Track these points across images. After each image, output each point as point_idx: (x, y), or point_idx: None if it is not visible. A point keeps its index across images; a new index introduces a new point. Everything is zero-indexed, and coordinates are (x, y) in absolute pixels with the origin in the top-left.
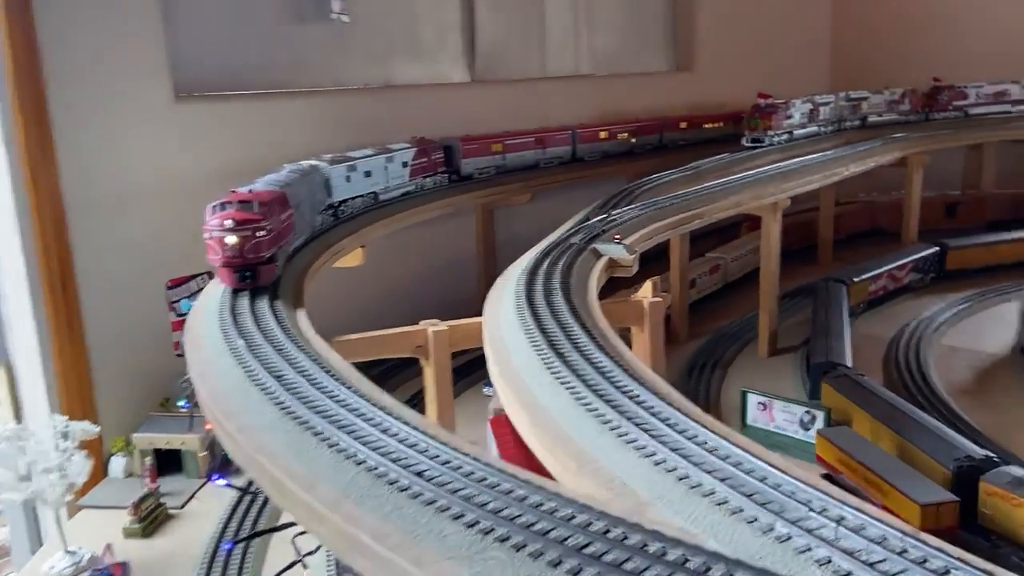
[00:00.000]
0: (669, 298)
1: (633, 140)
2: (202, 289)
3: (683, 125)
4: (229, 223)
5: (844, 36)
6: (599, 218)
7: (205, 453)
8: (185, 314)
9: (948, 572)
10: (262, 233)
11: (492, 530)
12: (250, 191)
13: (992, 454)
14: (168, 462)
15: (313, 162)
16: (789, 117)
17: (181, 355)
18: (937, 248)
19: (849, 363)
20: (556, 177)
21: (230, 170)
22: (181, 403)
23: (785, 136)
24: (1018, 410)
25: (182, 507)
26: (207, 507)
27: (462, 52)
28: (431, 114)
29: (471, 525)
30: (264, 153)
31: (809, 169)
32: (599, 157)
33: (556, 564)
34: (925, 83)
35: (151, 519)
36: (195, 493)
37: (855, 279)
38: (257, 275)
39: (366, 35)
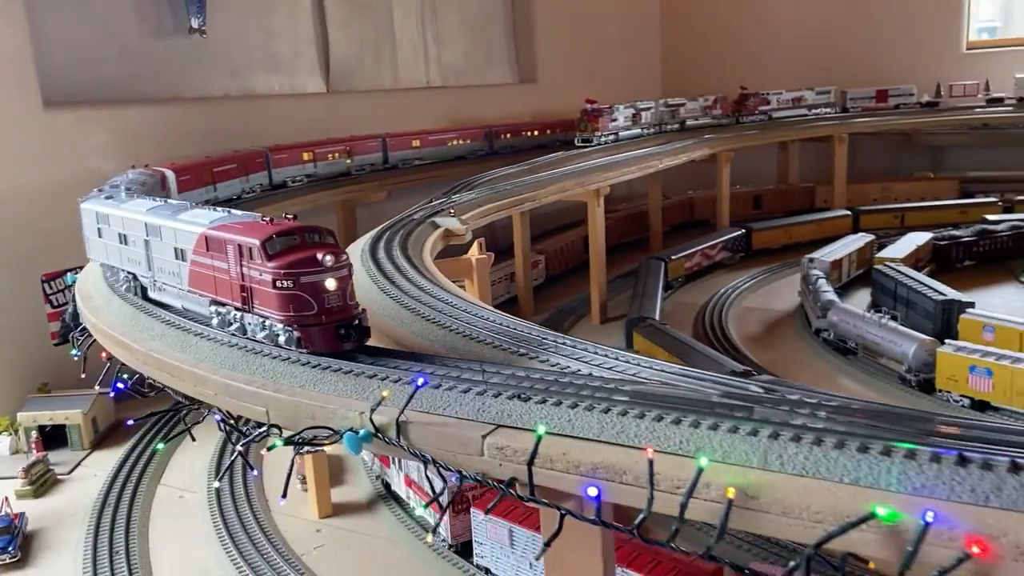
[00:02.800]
0: (491, 256)
1: (462, 143)
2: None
3: (507, 135)
4: (329, 259)
5: (671, 50)
6: (440, 200)
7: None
8: (61, 306)
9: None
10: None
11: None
12: (294, 217)
13: (751, 369)
14: (52, 439)
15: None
16: (614, 120)
17: (59, 344)
18: (743, 230)
19: (657, 318)
20: (408, 177)
21: (101, 173)
22: (73, 352)
23: (612, 137)
24: (790, 349)
25: (69, 473)
26: (92, 472)
27: (317, 65)
28: (288, 123)
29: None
30: (128, 159)
31: (628, 163)
32: (412, 164)
33: None
34: (736, 91)
35: (41, 482)
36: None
37: (673, 257)
38: (366, 330)
39: (224, 49)
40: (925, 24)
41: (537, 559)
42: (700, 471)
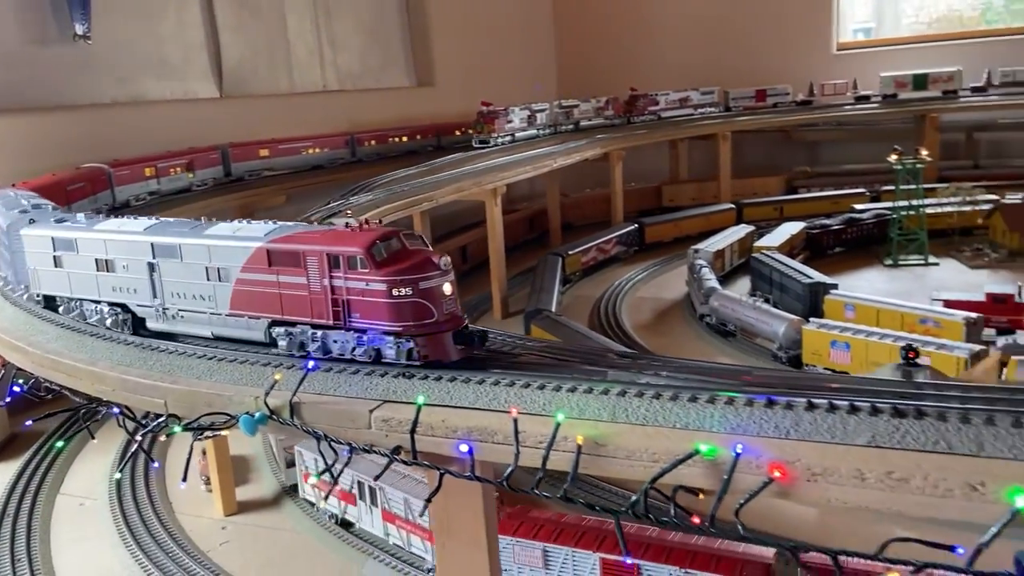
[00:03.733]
0: None
1: (319, 152)
2: None
3: (372, 142)
4: (445, 262)
5: (566, 53)
6: (338, 202)
7: None
8: None
9: None
10: None
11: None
12: (378, 222)
13: (635, 351)
14: None
15: None
16: (510, 122)
17: None
18: (636, 225)
19: (554, 310)
20: (307, 180)
21: None
22: None
23: (508, 138)
24: (678, 334)
25: None
26: None
27: (209, 70)
28: (180, 129)
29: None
30: (21, 166)
31: (523, 163)
32: (260, 175)
33: None
34: (627, 92)
35: None
36: None
37: (570, 252)
38: (485, 335)
39: (112, 55)
40: (799, 27)
41: (420, 515)
42: (558, 426)
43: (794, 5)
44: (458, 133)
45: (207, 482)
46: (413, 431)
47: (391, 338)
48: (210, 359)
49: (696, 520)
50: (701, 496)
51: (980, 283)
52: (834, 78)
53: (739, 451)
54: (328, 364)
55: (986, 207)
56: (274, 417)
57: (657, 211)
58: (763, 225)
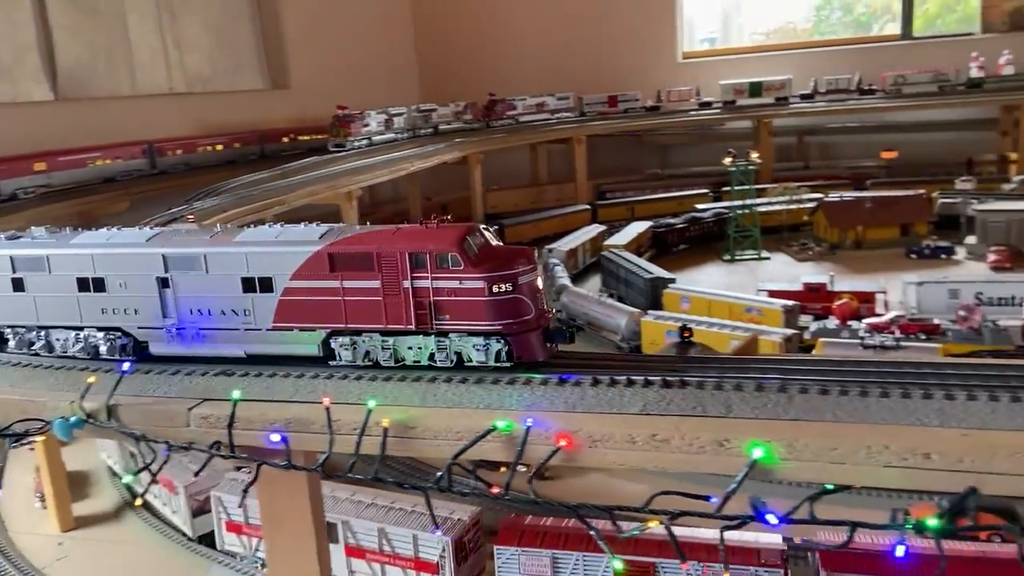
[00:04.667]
0: None
1: (110, 163)
2: None
3: (176, 151)
4: (536, 256)
5: (428, 57)
6: (181, 208)
7: None
8: None
9: None
10: None
11: None
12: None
13: None
14: None
15: None
16: (366, 125)
17: None
18: (497, 227)
19: None
20: (156, 185)
21: None
22: None
23: (365, 141)
24: None
25: None
26: None
27: (42, 72)
28: (11, 134)
29: None
30: None
31: (379, 166)
32: (38, 192)
33: None
34: (486, 97)
35: None
36: None
37: None
38: (571, 332)
39: None
40: (647, 37)
41: (239, 506)
42: (369, 412)
43: (642, 17)
44: (286, 140)
45: (41, 499)
46: (231, 426)
47: (479, 339)
48: (26, 367)
49: (495, 490)
50: (503, 470)
51: (803, 274)
52: (680, 85)
53: (530, 424)
54: (148, 366)
55: (811, 205)
56: (91, 420)
57: (520, 212)
58: (615, 225)
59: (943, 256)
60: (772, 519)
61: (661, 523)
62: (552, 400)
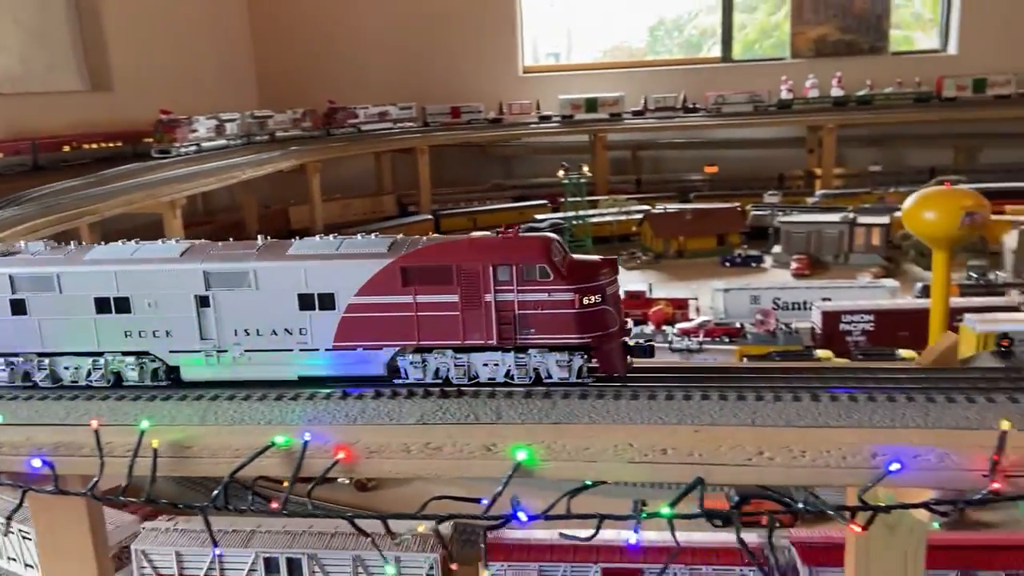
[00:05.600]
0: None
1: None
2: None
3: None
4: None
5: (267, 64)
6: None
7: None
8: None
9: None
10: None
11: None
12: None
13: None
14: None
15: None
16: (195, 131)
17: None
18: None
19: None
20: None
21: None
22: None
23: (193, 148)
24: None
25: None
26: None
27: None
28: None
29: None
30: None
31: (207, 174)
32: None
33: None
34: (326, 105)
35: None
36: None
37: None
38: (650, 347)
39: None
40: (490, 50)
41: (4, 535)
42: (142, 433)
43: (484, 30)
44: (67, 149)
45: None
46: None
47: (561, 355)
48: None
49: (274, 505)
50: (285, 484)
51: (630, 283)
52: (521, 99)
53: (307, 439)
54: None
55: (638, 216)
56: None
57: (361, 223)
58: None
59: (753, 264)
60: (523, 516)
61: (427, 528)
62: (334, 414)
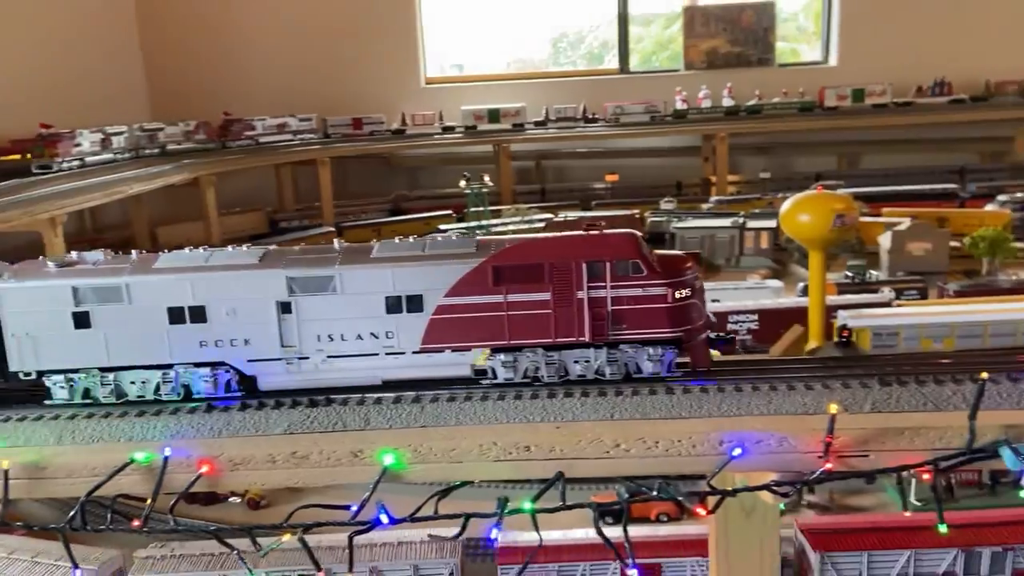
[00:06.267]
0: None
1: None
2: None
3: None
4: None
5: (160, 75)
6: None
7: None
8: None
9: None
10: None
11: None
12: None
13: None
14: None
15: None
16: (78, 145)
17: None
18: None
19: None
20: None
21: None
22: None
23: (76, 162)
24: None
25: None
26: None
27: None
28: None
29: None
30: None
31: (92, 189)
32: None
33: None
34: (222, 116)
35: None
36: None
37: None
38: (731, 339)
39: None
40: (391, 61)
41: None
42: None
43: (385, 41)
44: None
45: None
46: None
47: (653, 349)
48: None
49: (136, 523)
50: (149, 502)
51: None
52: (423, 109)
53: (168, 454)
54: None
55: (540, 225)
56: None
57: (265, 235)
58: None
59: None
60: (384, 519)
61: (294, 535)
62: (198, 428)
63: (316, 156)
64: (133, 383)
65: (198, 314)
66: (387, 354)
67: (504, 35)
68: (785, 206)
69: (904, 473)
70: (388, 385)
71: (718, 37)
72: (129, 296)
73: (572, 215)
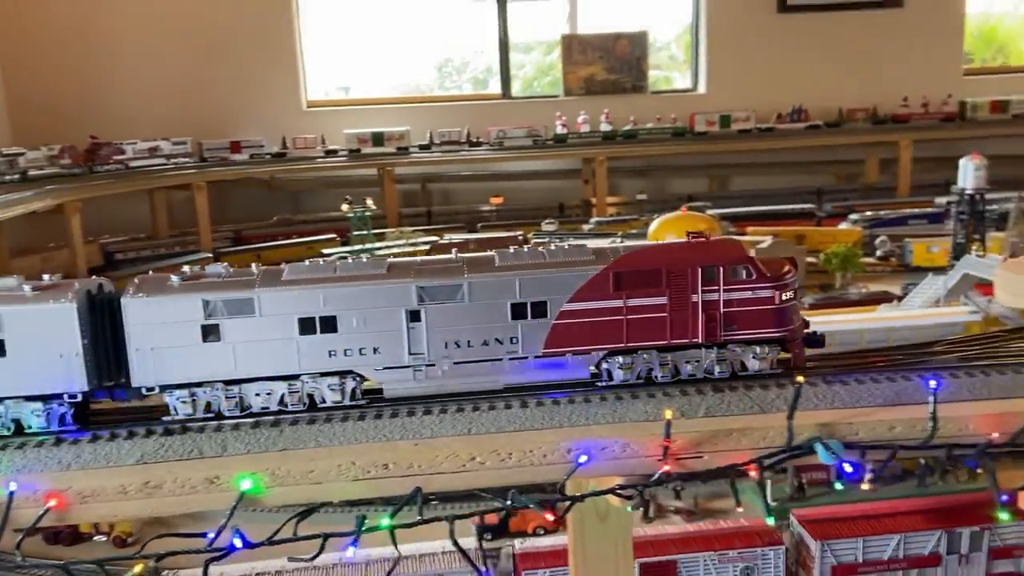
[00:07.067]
0: None
1: None
2: None
3: None
4: None
5: (21, 99)
6: None
7: None
8: None
9: None
10: None
11: None
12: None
13: None
14: None
15: None
16: None
17: None
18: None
19: None
20: None
21: None
22: None
23: None
24: None
25: None
26: None
27: None
28: None
29: None
30: None
31: None
32: None
33: None
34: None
35: None
36: None
37: None
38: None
39: None
40: (270, 84)
41: None
42: None
43: (265, 63)
44: None
45: None
46: None
47: (758, 348)
48: None
49: None
50: None
51: None
52: (305, 133)
53: (13, 489)
54: None
55: (425, 247)
56: None
57: (100, 269)
58: None
59: None
60: (238, 543)
61: (147, 565)
62: (46, 462)
63: (192, 180)
64: (258, 395)
65: (329, 324)
66: (510, 359)
67: (390, 59)
68: (652, 227)
69: (754, 474)
70: (251, 413)
71: (595, 65)
72: (260, 308)
73: (457, 237)
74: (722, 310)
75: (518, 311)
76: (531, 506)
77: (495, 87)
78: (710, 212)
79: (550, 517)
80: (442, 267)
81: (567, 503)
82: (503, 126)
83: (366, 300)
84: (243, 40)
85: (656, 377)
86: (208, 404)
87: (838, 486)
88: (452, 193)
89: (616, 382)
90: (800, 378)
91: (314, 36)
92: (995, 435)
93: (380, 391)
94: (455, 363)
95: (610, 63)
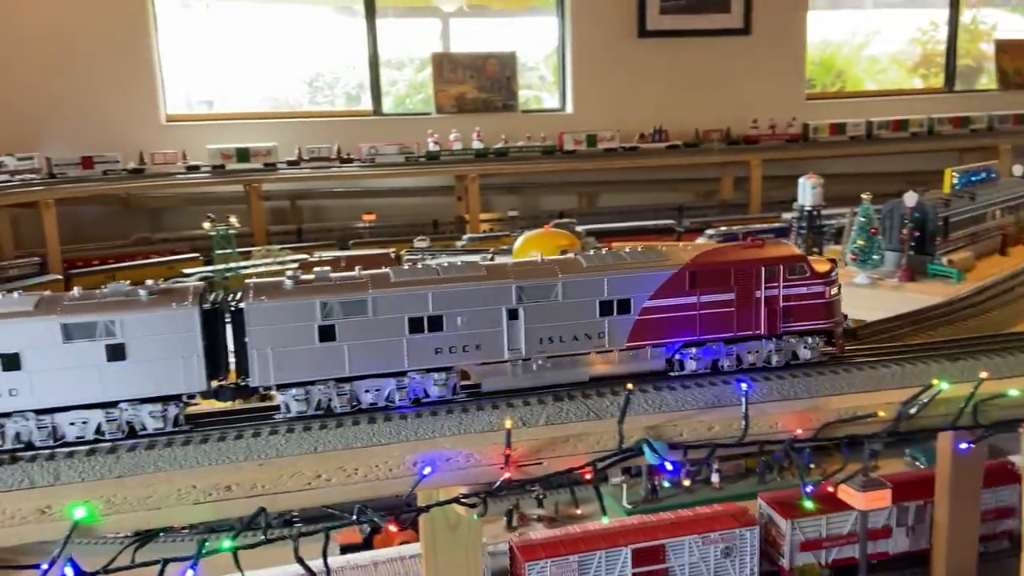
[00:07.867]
0: None
1: None
2: None
3: None
4: None
5: None
6: None
7: None
8: None
9: None
10: None
11: None
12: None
13: None
14: None
15: None
16: None
17: None
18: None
19: None
20: None
21: None
22: None
23: None
24: None
25: None
26: None
27: None
28: None
29: None
30: None
31: None
32: None
33: None
34: None
35: None
36: None
37: None
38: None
39: None
40: (126, 97)
41: None
42: None
43: (119, 75)
44: None
45: None
46: None
47: (809, 338)
48: None
49: None
50: None
51: None
52: (165, 148)
53: None
54: None
55: (294, 266)
56: None
57: None
58: None
59: None
60: (69, 572)
61: None
62: None
63: (39, 198)
64: (367, 391)
65: (436, 323)
66: (596, 352)
67: (257, 73)
68: (517, 243)
69: (619, 479)
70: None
71: (466, 83)
72: (374, 309)
73: (328, 255)
74: (781, 304)
75: (605, 308)
76: (375, 519)
77: (368, 103)
78: (578, 228)
79: (394, 528)
80: (536, 268)
81: (412, 514)
82: (375, 143)
83: (471, 301)
84: (97, 52)
85: (723, 366)
86: (319, 401)
87: (666, 483)
88: (323, 210)
89: (687, 372)
90: (629, 385)
91: (175, 49)
92: (799, 431)
93: (478, 385)
94: (549, 357)
95: (481, 82)
